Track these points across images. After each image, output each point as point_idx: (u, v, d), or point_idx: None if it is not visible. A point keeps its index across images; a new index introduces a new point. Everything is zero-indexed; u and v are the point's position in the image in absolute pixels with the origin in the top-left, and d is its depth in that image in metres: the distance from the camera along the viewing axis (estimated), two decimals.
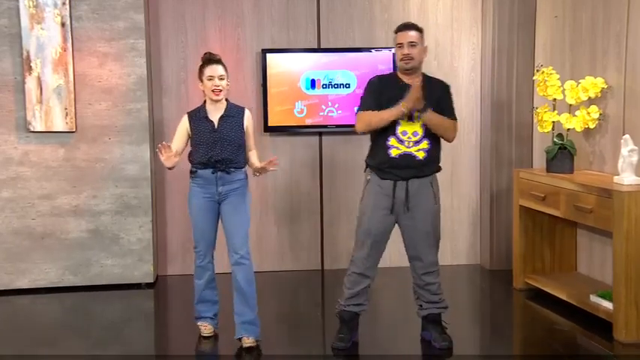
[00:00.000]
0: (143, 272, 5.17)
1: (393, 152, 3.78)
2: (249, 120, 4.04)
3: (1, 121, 4.97)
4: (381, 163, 3.82)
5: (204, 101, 4.02)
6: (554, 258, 4.99)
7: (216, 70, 3.93)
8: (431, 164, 3.86)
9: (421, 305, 3.98)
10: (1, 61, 4.93)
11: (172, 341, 4.29)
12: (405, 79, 3.82)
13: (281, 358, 3.87)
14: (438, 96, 3.85)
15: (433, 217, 3.90)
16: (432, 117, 3.74)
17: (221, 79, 3.93)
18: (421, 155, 3.79)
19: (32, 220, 5.05)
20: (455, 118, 3.91)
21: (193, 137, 3.98)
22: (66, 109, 4.96)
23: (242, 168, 4.01)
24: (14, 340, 4.19)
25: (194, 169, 3.99)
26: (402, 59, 3.79)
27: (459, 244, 5.74)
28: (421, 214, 3.85)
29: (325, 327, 4.43)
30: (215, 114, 3.96)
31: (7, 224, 5.02)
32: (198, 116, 3.99)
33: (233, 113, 3.99)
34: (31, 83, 4.91)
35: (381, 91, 3.82)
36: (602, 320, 4.13)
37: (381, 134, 3.79)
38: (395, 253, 5.19)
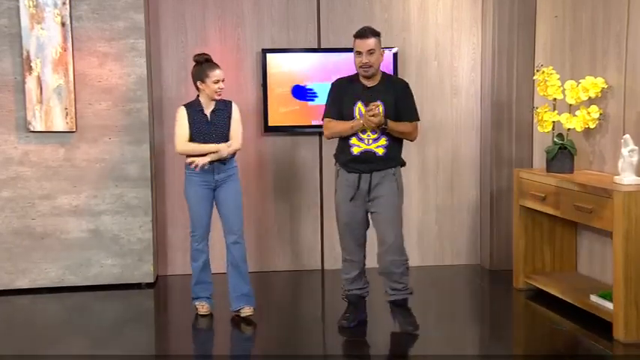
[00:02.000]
0: (143, 272, 5.17)
1: (355, 150, 4.03)
2: (236, 112, 4.43)
3: (1, 121, 4.97)
4: (345, 160, 4.09)
5: (198, 96, 4.39)
6: (555, 258, 5.00)
7: (220, 74, 4.33)
8: (391, 159, 4.06)
9: (386, 291, 4.14)
10: (1, 61, 4.93)
11: (172, 341, 4.29)
12: (367, 82, 4.05)
13: (281, 358, 3.86)
14: (397, 96, 4.06)
15: (395, 207, 4.08)
16: (392, 128, 3.97)
17: (223, 81, 4.36)
18: (380, 151, 4.01)
19: (32, 220, 5.05)
20: (415, 119, 4.13)
21: (190, 129, 4.34)
22: (66, 108, 4.97)
23: (233, 156, 4.42)
24: (14, 339, 4.19)
25: (191, 161, 4.30)
26: (361, 67, 3.99)
27: (458, 244, 5.75)
28: (384, 203, 4.04)
29: (325, 327, 4.43)
30: (208, 108, 4.37)
31: (7, 224, 5.02)
32: (194, 109, 4.37)
33: (222, 107, 4.40)
34: (31, 83, 4.92)
35: (342, 94, 4.09)
36: (602, 320, 4.13)
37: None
38: None
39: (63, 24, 4.91)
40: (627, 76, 4.38)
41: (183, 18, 5.37)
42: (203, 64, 4.33)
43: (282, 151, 5.51)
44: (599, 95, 4.53)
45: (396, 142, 4.07)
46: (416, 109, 4.14)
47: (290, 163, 5.54)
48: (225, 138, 4.35)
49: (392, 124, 3.96)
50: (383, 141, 4.00)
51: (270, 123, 5.40)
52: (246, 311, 4.38)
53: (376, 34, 4.00)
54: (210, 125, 4.33)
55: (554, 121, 4.73)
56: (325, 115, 4.15)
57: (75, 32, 4.97)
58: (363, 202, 4.07)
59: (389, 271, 4.07)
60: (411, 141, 4.23)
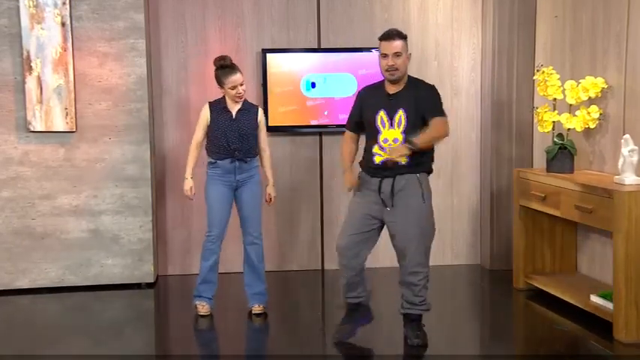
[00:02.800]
0: (143, 272, 5.17)
1: (377, 159, 3.87)
2: (261, 116, 4.50)
3: (1, 121, 4.97)
4: (368, 168, 3.94)
5: (224, 96, 4.43)
6: (555, 258, 5.00)
7: (237, 79, 4.33)
8: (416, 165, 3.87)
9: (402, 304, 3.98)
10: (1, 61, 4.93)
11: (172, 341, 4.30)
12: (390, 88, 3.88)
13: (281, 358, 3.86)
14: (418, 97, 3.85)
15: (420, 215, 3.88)
16: (422, 145, 3.77)
17: (242, 85, 4.36)
18: (403, 160, 3.80)
19: (32, 219, 5.05)
20: (440, 114, 3.88)
21: (212, 126, 4.38)
22: (66, 108, 4.96)
23: (255, 156, 4.47)
24: (14, 339, 4.19)
25: (213, 160, 4.38)
26: (387, 70, 3.83)
27: (459, 243, 5.75)
28: (406, 211, 3.85)
29: (325, 327, 4.44)
30: (233, 107, 4.40)
31: (7, 224, 5.02)
32: (218, 107, 4.42)
33: (248, 107, 4.44)
34: (31, 83, 4.91)
35: (364, 103, 3.96)
36: (602, 320, 4.13)
37: (367, 142, 3.95)
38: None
39: (63, 24, 4.91)
40: (627, 76, 4.38)
41: (183, 18, 5.37)
42: (220, 69, 4.34)
43: (282, 151, 5.50)
44: (599, 95, 4.53)
45: (418, 151, 3.83)
46: (441, 106, 3.90)
47: (290, 163, 5.54)
48: (248, 139, 4.35)
49: (421, 142, 3.75)
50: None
51: (271, 123, 5.38)
52: (257, 309, 4.46)
53: (403, 36, 3.87)
54: (234, 122, 4.34)
55: (554, 121, 4.73)
56: (345, 126, 4.10)
57: (75, 32, 4.96)
58: (381, 207, 3.87)
59: (408, 282, 3.91)
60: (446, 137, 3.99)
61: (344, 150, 4.08)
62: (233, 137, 4.33)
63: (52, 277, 5.09)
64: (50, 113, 4.95)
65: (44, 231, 5.06)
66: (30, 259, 5.06)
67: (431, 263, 5.64)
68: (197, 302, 4.48)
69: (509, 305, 4.86)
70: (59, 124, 4.97)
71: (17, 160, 5.01)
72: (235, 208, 4.46)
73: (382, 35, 3.88)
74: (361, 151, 4.06)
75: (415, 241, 3.87)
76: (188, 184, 4.46)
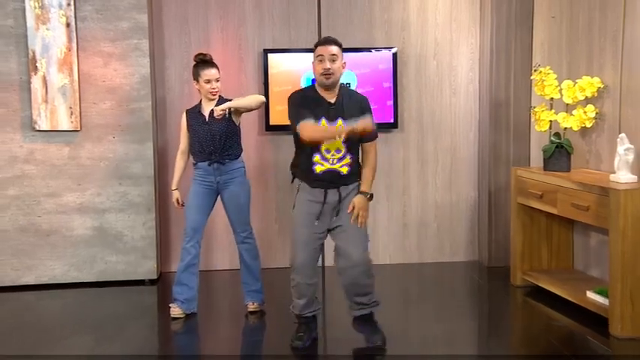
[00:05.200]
0: (146, 269, 5.19)
1: (317, 169, 3.76)
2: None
3: (8, 120, 4.99)
4: (307, 179, 3.80)
5: (201, 99, 4.41)
6: (552, 255, 5.01)
7: (212, 73, 4.31)
8: (354, 176, 3.82)
9: (350, 306, 3.88)
10: (7, 61, 4.95)
11: (174, 336, 4.30)
12: (327, 95, 3.76)
13: (281, 358, 3.84)
14: (357, 109, 3.76)
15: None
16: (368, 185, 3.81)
17: (217, 81, 4.33)
18: (344, 170, 3.76)
19: (38, 217, 5.06)
20: (375, 138, 3.85)
21: (189, 131, 4.38)
22: (71, 108, 4.98)
23: (237, 158, 4.37)
24: (20, 335, 4.20)
25: (195, 162, 4.37)
26: (322, 74, 3.70)
27: (457, 241, 5.76)
28: (348, 216, 3.78)
29: (326, 325, 4.43)
30: (207, 108, 4.35)
31: (13, 221, 5.04)
32: (194, 112, 4.40)
33: (220, 104, 4.32)
34: (36, 83, 4.93)
35: (308, 107, 3.72)
36: (598, 316, 4.15)
37: (305, 149, 3.76)
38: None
39: (68, 24, 4.93)
40: (623, 76, 4.38)
41: (186, 18, 5.38)
42: (198, 64, 4.33)
43: (282, 149, 5.50)
44: (596, 95, 4.54)
45: (357, 159, 3.84)
46: (375, 128, 3.83)
47: (290, 160, 5.53)
48: (222, 140, 4.28)
49: (368, 184, 3.82)
50: (347, 160, 3.76)
51: (272, 122, 5.41)
52: (251, 307, 4.45)
53: (339, 44, 3.76)
54: (205, 126, 4.30)
55: (551, 120, 4.74)
56: (301, 119, 3.67)
57: (79, 32, 4.98)
58: (329, 218, 3.79)
59: (355, 283, 3.78)
60: None
61: (315, 127, 3.69)
62: (206, 140, 4.28)
63: (57, 273, 5.10)
64: (55, 112, 4.96)
65: (49, 228, 5.08)
66: (35, 255, 5.08)
67: (430, 260, 5.70)
68: (170, 305, 4.40)
69: (506, 301, 4.86)
70: (64, 123, 4.98)
71: (23, 159, 5.03)
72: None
73: (319, 41, 3.81)
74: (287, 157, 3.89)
75: (362, 241, 3.80)
76: (174, 195, 4.48)
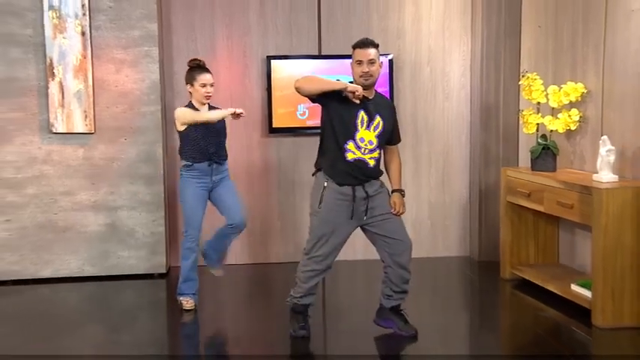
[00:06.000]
0: (156, 263, 5.21)
1: (349, 156, 3.72)
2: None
3: (27, 123, 5.02)
4: (334, 170, 3.74)
5: (190, 101, 4.36)
6: (538, 250, 5.02)
7: (207, 78, 4.29)
8: (376, 171, 3.83)
9: (390, 296, 3.89)
10: (26, 68, 4.98)
11: (182, 326, 4.30)
12: (364, 92, 3.75)
13: (282, 358, 3.75)
14: (392, 113, 3.88)
15: (399, 221, 3.86)
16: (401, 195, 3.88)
17: (211, 85, 4.31)
18: (372, 163, 3.77)
19: (55, 214, 5.10)
20: (399, 140, 4.00)
21: (188, 132, 4.25)
22: (85, 111, 5.02)
23: (226, 159, 4.41)
24: (38, 325, 4.24)
25: (190, 163, 4.27)
26: (361, 76, 3.72)
27: (450, 237, 5.79)
28: (387, 205, 3.83)
29: (325, 317, 4.46)
30: (202, 109, 4.33)
31: (32, 218, 5.07)
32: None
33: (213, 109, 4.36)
34: (53, 88, 4.96)
35: (342, 98, 3.70)
36: (581, 307, 4.16)
37: (340, 137, 3.72)
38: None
39: (83, 33, 4.97)
40: (605, 82, 4.41)
41: (193, 27, 5.41)
42: (194, 69, 4.29)
43: (285, 151, 5.55)
44: (580, 99, 4.56)
45: (380, 159, 3.87)
46: (399, 132, 4.01)
47: (293, 161, 5.58)
48: (221, 141, 4.31)
49: (400, 182, 3.95)
50: (376, 153, 3.78)
51: (275, 125, 5.45)
52: (214, 272, 4.55)
53: (376, 45, 3.79)
54: (212, 127, 4.27)
55: (538, 123, 4.74)
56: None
57: (94, 41, 5.01)
58: (361, 216, 3.78)
59: (406, 268, 3.83)
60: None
61: (318, 78, 3.74)
62: (209, 141, 4.26)
63: (72, 267, 5.13)
64: (71, 116, 5.00)
65: (65, 225, 5.10)
66: (53, 251, 5.11)
67: (424, 255, 5.70)
68: (181, 299, 4.40)
69: (496, 294, 4.87)
70: (79, 126, 5.02)
71: (41, 160, 5.06)
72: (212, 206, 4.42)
73: (356, 43, 3.78)
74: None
75: (403, 228, 3.87)
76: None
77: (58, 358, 3.73)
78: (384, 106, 3.86)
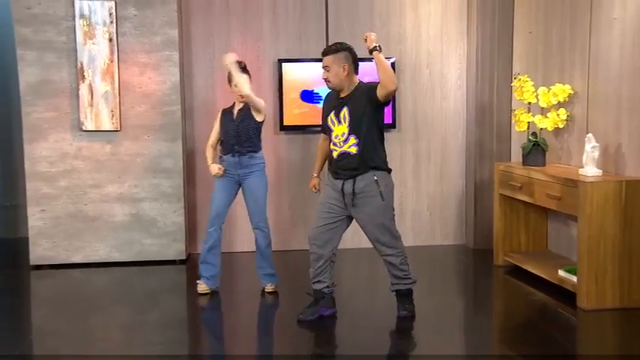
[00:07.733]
0: (177, 250, 5.25)
1: (334, 154, 3.81)
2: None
3: (60, 122, 5.08)
4: (331, 167, 3.89)
5: (234, 101, 4.43)
6: (529, 238, 5.04)
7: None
8: (368, 159, 3.73)
9: (390, 281, 3.93)
10: (60, 71, 5.04)
11: (200, 308, 4.34)
12: (341, 93, 3.82)
13: (283, 358, 3.60)
14: (364, 89, 3.74)
15: (381, 212, 3.77)
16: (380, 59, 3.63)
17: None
18: (353, 150, 3.71)
19: (85, 205, 5.16)
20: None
21: (220, 128, 4.39)
22: (112, 111, 5.08)
23: (256, 153, 4.34)
24: (71, 305, 4.31)
25: (220, 155, 4.39)
26: (324, 81, 3.81)
27: (447, 226, 5.80)
28: (369, 210, 3.76)
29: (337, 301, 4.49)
30: (237, 107, 4.40)
31: (64, 209, 5.12)
32: (227, 111, 4.44)
33: (246, 107, 4.36)
34: (83, 89, 5.02)
35: (325, 107, 3.92)
36: (567, 291, 4.19)
37: (330, 140, 3.87)
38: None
39: (110, 39, 5.02)
40: (590, 84, 4.43)
41: (211, 33, 5.44)
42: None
43: (295, 147, 5.57)
44: (567, 100, 4.57)
45: (366, 142, 3.71)
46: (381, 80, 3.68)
47: (302, 157, 5.59)
48: (246, 136, 4.29)
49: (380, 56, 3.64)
50: (352, 140, 3.71)
51: (285, 123, 5.48)
52: (269, 288, 4.41)
53: (333, 51, 3.74)
54: (233, 122, 4.31)
55: (529, 122, 4.75)
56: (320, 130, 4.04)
57: (120, 46, 5.06)
58: (348, 205, 3.79)
59: (386, 261, 3.89)
60: (390, 90, 3.63)
61: (318, 153, 4.08)
62: (232, 134, 4.29)
63: (101, 254, 5.19)
64: (99, 115, 5.06)
65: (94, 215, 5.16)
66: (83, 238, 5.16)
67: (423, 243, 5.67)
68: (198, 282, 4.41)
69: (489, 279, 4.90)
70: (106, 124, 5.07)
71: (72, 155, 5.12)
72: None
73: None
74: None
75: (381, 232, 3.82)
76: (214, 167, 4.34)
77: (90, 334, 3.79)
78: (358, 94, 3.73)
